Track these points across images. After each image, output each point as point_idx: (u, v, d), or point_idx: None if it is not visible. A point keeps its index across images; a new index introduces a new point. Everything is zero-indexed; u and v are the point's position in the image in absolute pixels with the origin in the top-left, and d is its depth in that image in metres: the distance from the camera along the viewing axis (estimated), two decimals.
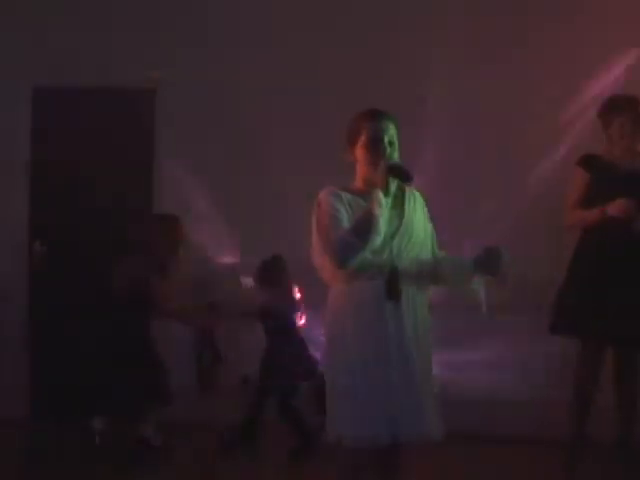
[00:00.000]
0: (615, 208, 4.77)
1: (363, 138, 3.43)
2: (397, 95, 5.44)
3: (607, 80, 5.65)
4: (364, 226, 3.29)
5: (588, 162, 4.99)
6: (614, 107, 4.93)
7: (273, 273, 5.50)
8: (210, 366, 5.55)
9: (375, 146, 3.41)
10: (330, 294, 3.49)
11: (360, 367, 3.34)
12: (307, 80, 5.94)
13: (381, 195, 3.34)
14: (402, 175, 3.38)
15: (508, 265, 3.42)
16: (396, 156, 3.44)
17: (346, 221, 3.33)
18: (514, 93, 5.74)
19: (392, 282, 3.37)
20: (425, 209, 3.57)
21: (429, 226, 3.57)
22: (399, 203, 3.48)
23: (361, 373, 3.33)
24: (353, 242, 3.28)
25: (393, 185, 3.43)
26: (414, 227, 3.47)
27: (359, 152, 3.45)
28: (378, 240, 3.32)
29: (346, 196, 3.40)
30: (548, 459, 5.08)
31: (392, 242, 3.39)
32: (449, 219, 4.84)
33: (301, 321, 5.62)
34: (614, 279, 4.78)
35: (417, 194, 3.56)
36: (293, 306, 5.52)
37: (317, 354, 5.37)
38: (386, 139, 3.41)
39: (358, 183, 3.49)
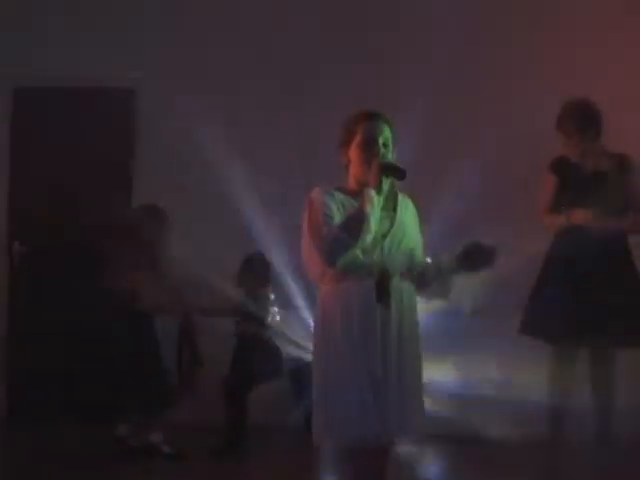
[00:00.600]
0: (575, 217, 4.91)
1: (358, 138, 3.42)
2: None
3: None
4: (355, 223, 3.28)
5: (557, 165, 5.11)
6: (564, 115, 5.04)
7: (255, 272, 5.54)
8: (190, 367, 5.54)
9: (369, 146, 3.39)
10: (319, 294, 3.48)
11: (348, 367, 3.33)
12: (290, 79, 5.97)
13: (373, 193, 3.33)
14: (396, 172, 3.35)
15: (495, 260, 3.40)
16: (390, 158, 3.42)
17: (338, 219, 3.32)
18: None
19: (382, 284, 3.36)
20: (416, 216, 3.55)
21: (419, 233, 3.55)
22: (391, 205, 3.48)
23: (349, 374, 3.33)
24: (343, 239, 3.26)
25: (386, 185, 3.41)
26: (405, 230, 3.46)
27: (353, 152, 3.44)
28: (368, 238, 3.31)
29: (338, 195, 3.41)
30: (531, 459, 5.12)
31: (383, 242, 3.39)
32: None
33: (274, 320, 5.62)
34: (582, 282, 4.85)
35: (409, 200, 3.55)
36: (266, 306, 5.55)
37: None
38: (381, 140, 3.41)
39: (351, 184, 3.48)
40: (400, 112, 3.74)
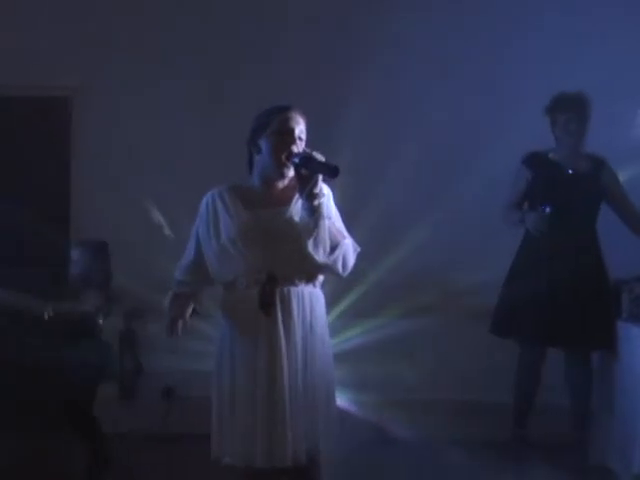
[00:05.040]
0: (529, 222, 4.84)
1: (273, 127, 3.28)
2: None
3: None
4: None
5: (532, 160, 5.01)
6: (560, 105, 4.94)
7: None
8: (131, 375, 5.42)
9: (286, 135, 3.26)
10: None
11: (238, 384, 3.24)
12: (220, 81, 5.93)
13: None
14: (326, 169, 3.14)
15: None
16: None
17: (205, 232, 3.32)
18: None
19: (265, 291, 3.23)
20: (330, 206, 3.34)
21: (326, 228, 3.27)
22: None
23: (237, 390, 3.23)
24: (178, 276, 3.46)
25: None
26: (300, 227, 3.23)
27: (266, 142, 3.29)
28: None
29: (230, 195, 3.32)
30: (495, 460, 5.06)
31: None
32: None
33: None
34: (550, 281, 4.80)
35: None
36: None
37: None
38: (297, 131, 3.29)
39: (254, 179, 3.38)
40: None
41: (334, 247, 3.25)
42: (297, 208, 3.26)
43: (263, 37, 5.94)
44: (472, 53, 5.85)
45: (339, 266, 3.28)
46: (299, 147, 3.27)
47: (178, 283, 3.46)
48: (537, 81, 5.59)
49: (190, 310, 3.41)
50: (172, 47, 5.97)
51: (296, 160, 3.19)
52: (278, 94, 3.74)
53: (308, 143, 3.33)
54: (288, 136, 3.27)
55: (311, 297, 3.30)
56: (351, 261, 3.33)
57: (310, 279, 3.29)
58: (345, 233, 3.36)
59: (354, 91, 5.68)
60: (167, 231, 5.75)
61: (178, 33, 6.00)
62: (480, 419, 5.33)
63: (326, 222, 3.22)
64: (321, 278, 3.37)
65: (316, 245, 3.19)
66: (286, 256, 3.21)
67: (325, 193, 3.25)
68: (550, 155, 5.00)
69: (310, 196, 3.17)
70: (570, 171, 4.88)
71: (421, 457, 5.08)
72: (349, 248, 3.31)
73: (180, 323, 3.41)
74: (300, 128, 3.30)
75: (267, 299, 3.20)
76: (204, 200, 3.36)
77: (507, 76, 5.82)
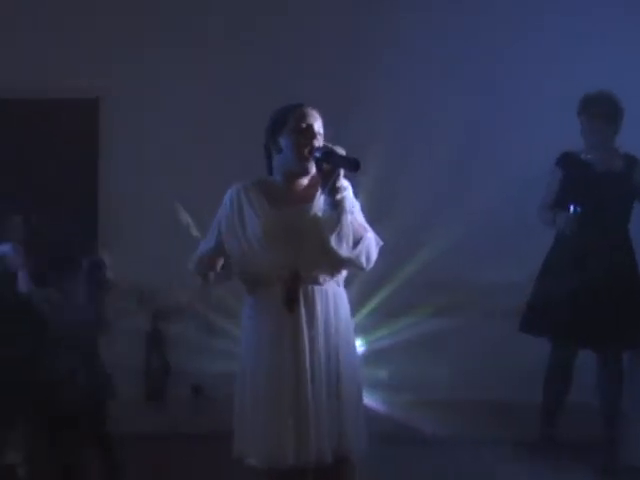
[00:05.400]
0: (559, 222, 4.80)
1: (291, 124, 3.28)
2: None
3: None
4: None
5: (564, 160, 4.98)
6: (583, 105, 4.92)
7: None
8: (158, 375, 5.42)
9: (306, 131, 3.26)
10: None
11: (260, 383, 3.22)
12: (248, 84, 5.92)
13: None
14: (347, 163, 3.14)
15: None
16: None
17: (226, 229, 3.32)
18: None
19: (290, 289, 3.22)
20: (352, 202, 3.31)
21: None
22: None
23: (261, 390, 3.21)
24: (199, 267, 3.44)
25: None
26: (324, 223, 3.21)
27: (284, 141, 3.29)
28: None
29: (254, 190, 3.32)
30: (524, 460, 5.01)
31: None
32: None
33: None
34: (582, 280, 4.77)
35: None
36: None
37: None
38: (316, 126, 3.29)
39: (276, 176, 3.37)
40: None
41: (357, 241, 3.23)
42: (320, 204, 3.24)
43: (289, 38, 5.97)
44: (495, 53, 5.88)
45: (362, 260, 3.25)
46: (319, 142, 3.27)
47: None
48: (560, 81, 5.59)
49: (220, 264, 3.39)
50: (201, 48, 6.00)
51: (317, 154, 3.19)
52: (299, 94, 3.70)
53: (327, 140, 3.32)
54: (308, 131, 3.27)
55: (335, 296, 3.29)
56: (374, 255, 3.30)
57: (333, 275, 3.28)
58: (367, 227, 3.34)
59: (370, 90, 5.72)
60: (195, 232, 5.74)
61: (208, 34, 6.03)
62: (511, 419, 5.28)
63: (349, 216, 3.20)
64: (344, 275, 3.35)
65: (339, 239, 3.17)
66: (310, 253, 3.20)
67: (346, 186, 3.25)
68: (582, 155, 4.96)
69: (333, 190, 3.16)
70: (601, 171, 4.86)
71: (452, 457, 5.05)
72: (372, 242, 3.29)
73: (212, 275, 3.43)
74: (318, 123, 3.31)
75: (291, 296, 3.20)
76: (228, 193, 3.36)
77: (531, 76, 5.80)
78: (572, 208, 4.72)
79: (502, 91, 5.84)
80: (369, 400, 3.49)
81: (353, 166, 3.12)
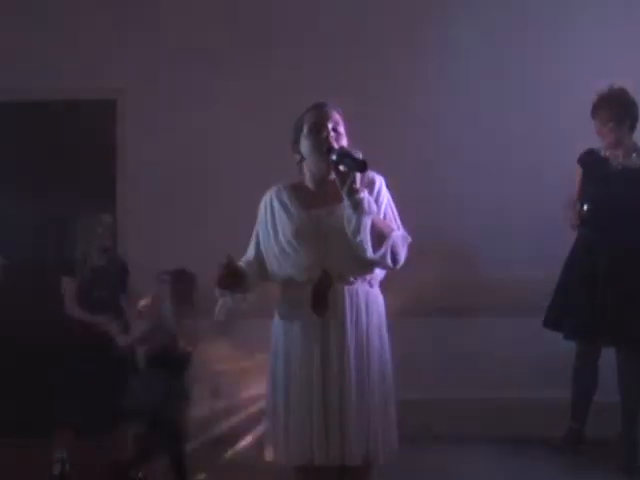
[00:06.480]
0: (573, 216, 4.83)
1: (305, 128, 3.30)
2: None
3: None
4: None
5: (584, 158, 5.04)
6: (596, 108, 4.96)
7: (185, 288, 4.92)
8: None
9: (318, 131, 3.26)
10: None
11: (291, 384, 3.25)
12: (272, 85, 5.93)
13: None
14: (354, 164, 3.12)
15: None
16: (344, 143, 3.27)
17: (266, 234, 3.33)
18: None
19: (318, 290, 3.22)
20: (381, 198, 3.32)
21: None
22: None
23: (290, 391, 3.24)
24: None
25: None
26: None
27: (303, 145, 3.32)
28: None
29: (287, 194, 3.35)
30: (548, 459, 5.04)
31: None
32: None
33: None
34: (604, 279, 4.79)
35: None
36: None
37: None
38: (330, 125, 3.28)
39: (307, 182, 3.38)
40: None
41: (382, 241, 3.19)
42: None
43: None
44: (511, 52, 5.90)
45: (388, 260, 3.20)
46: (339, 141, 3.27)
47: None
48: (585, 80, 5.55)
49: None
50: (220, 48, 6.01)
51: (333, 157, 3.18)
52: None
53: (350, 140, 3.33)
54: (320, 132, 3.27)
55: (367, 297, 3.28)
56: (402, 253, 3.25)
57: (363, 274, 3.27)
58: (396, 224, 3.33)
59: (400, 89, 5.80)
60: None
61: (225, 33, 6.04)
62: (537, 417, 5.31)
63: (369, 218, 3.15)
64: (379, 276, 3.34)
65: (361, 240, 3.14)
66: (340, 254, 3.20)
67: (377, 181, 3.29)
68: (602, 152, 4.98)
69: (350, 192, 3.14)
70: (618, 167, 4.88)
71: (480, 456, 5.09)
72: (398, 240, 3.24)
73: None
74: (334, 120, 3.30)
75: (320, 297, 3.19)
76: (263, 200, 3.40)
77: (547, 73, 5.81)
78: (584, 205, 4.77)
79: (517, 88, 5.87)
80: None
81: (360, 167, 3.11)
